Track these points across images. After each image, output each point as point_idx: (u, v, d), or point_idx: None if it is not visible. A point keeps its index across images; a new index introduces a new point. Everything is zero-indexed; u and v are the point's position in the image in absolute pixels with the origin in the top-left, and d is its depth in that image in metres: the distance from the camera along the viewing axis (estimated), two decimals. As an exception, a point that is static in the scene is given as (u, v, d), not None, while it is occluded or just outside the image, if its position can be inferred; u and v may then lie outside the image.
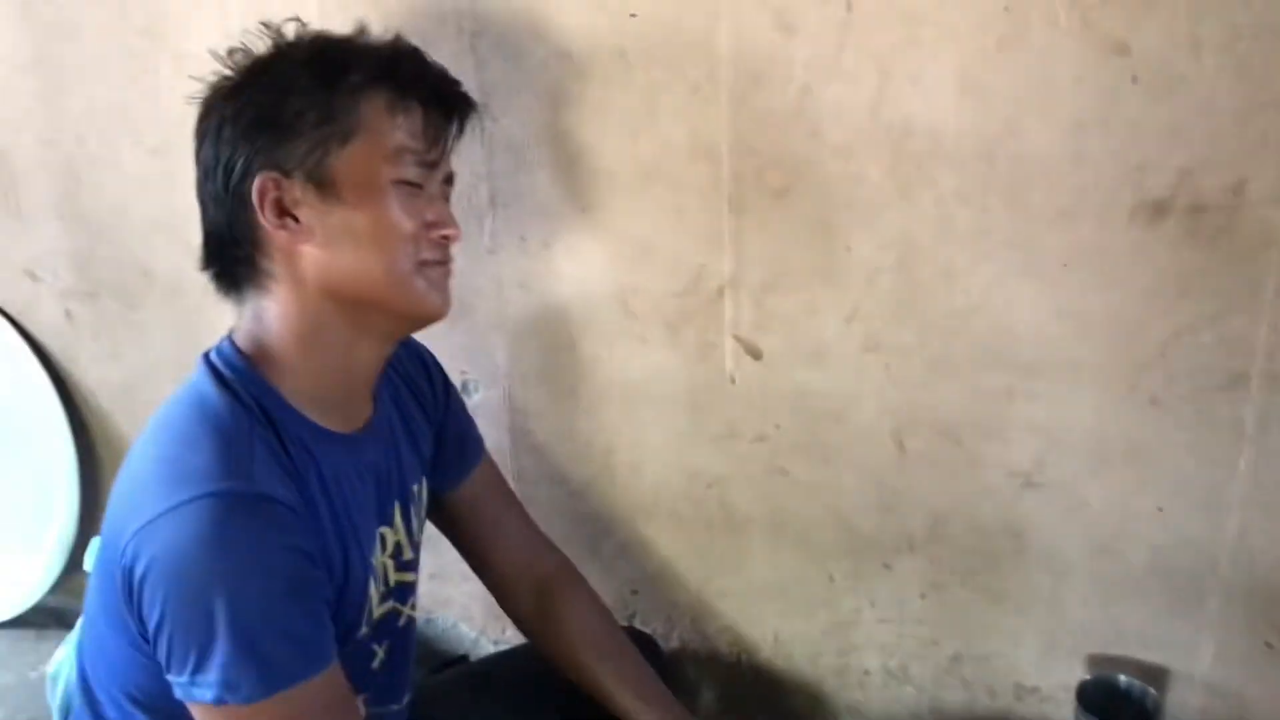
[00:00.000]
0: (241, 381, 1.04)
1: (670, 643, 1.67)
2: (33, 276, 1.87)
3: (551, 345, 1.55)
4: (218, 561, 0.93)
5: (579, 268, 1.48)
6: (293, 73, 1.03)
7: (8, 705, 1.90)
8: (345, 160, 1.01)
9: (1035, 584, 1.42)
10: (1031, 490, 1.37)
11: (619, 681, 1.29)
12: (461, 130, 1.11)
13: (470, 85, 1.41)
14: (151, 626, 0.95)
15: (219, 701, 0.94)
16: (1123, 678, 1.37)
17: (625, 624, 1.62)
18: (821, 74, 1.27)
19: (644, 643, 1.50)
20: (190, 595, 0.93)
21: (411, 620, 1.27)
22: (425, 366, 1.32)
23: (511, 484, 1.63)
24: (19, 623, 2.09)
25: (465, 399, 1.61)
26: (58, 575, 2.04)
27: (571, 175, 1.44)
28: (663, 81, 1.34)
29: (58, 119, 1.72)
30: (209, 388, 1.03)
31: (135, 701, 1.05)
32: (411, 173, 1.05)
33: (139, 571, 0.94)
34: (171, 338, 1.78)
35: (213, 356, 1.07)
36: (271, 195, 1.02)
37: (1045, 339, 1.30)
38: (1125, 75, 1.16)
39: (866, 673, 1.57)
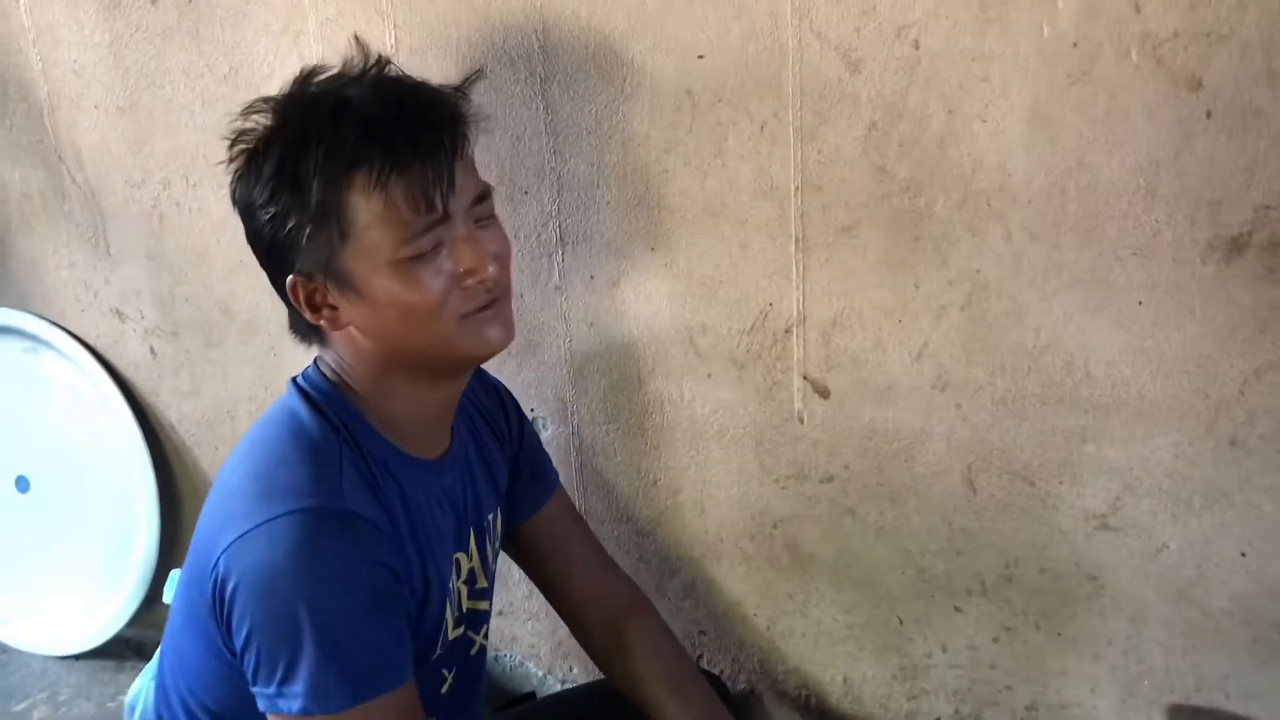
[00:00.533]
0: (329, 404, 1.08)
1: (738, 684, 1.65)
2: (119, 315, 1.94)
3: (619, 383, 1.56)
4: (307, 575, 0.96)
5: (646, 306, 1.49)
6: (275, 181, 1.02)
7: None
8: (351, 257, 1.02)
9: (1112, 629, 1.38)
10: (1107, 533, 1.34)
11: (687, 714, 1.29)
12: (456, 161, 1.03)
13: (539, 127, 1.45)
14: (240, 639, 0.97)
15: (305, 712, 0.96)
16: (1205, 729, 1.33)
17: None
18: (888, 111, 1.27)
19: (711, 683, 1.49)
20: (280, 608, 0.95)
21: (483, 650, 1.28)
22: (500, 400, 1.34)
23: (579, 522, 1.65)
24: (98, 654, 2.14)
25: (534, 436, 1.63)
26: (136, 608, 2.09)
27: (639, 214, 1.45)
28: (729, 120, 1.36)
29: (146, 163, 1.79)
30: (300, 408, 1.08)
31: (212, 714, 1.07)
32: (417, 245, 1.01)
33: (230, 584, 0.97)
34: (249, 374, 1.83)
35: (301, 380, 1.11)
36: (302, 294, 1.05)
37: (1119, 378, 1.27)
38: (1199, 110, 1.14)
39: (938, 719, 1.54)
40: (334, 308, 1.05)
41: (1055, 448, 1.33)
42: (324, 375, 1.11)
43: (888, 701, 1.56)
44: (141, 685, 1.28)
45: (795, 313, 1.41)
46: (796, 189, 1.35)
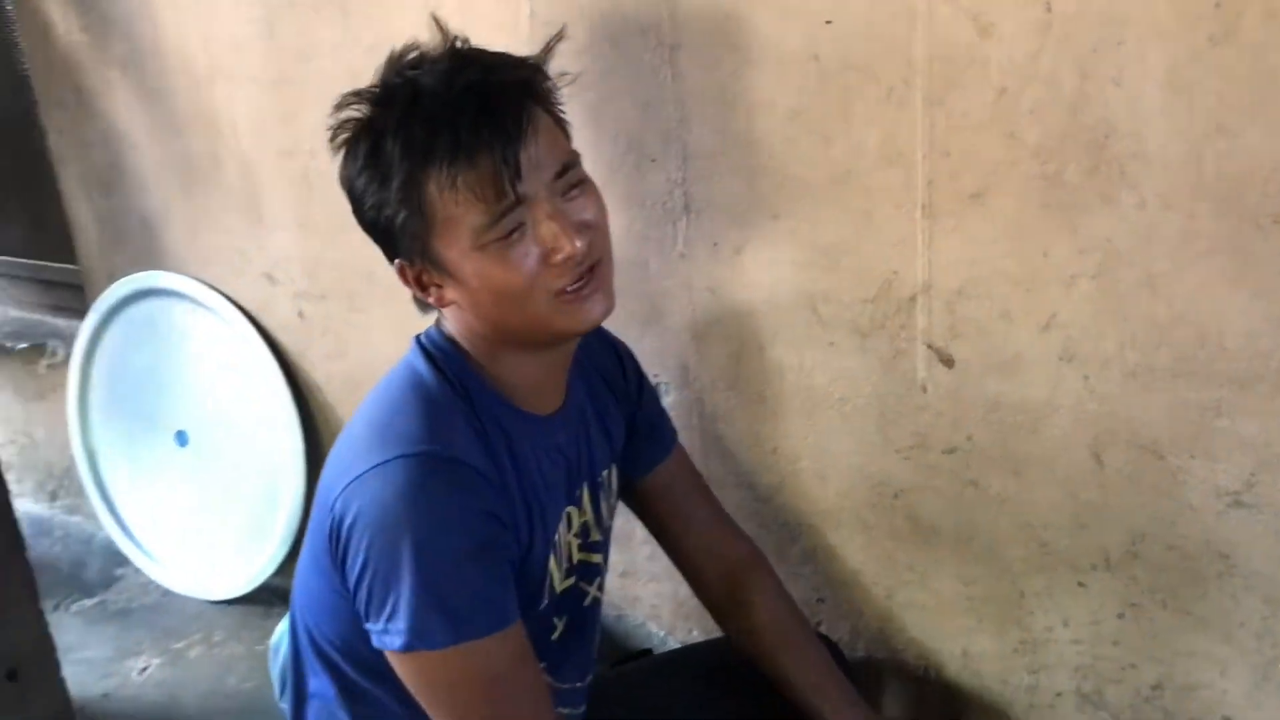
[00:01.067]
0: (446, 361, 1.14)
1: (855, 652, 1.66)
2: (271, 279, 2.04)
3: (739, 351, 1.58)
4: (414, 516, 1.01)
5: (769, 274, 1.51)
6: (367, 172, 1.07)
7: (236, 673, 2.07)
8: (439, 243, 1.05)
9: (1245, 610, 1.34)
10: (1240, 510, 1.30)
11: (802, 671, 1.33)
12: (524, 145, 1.03)
13: (666, 95, 1.47)
14: (354, 576, 1.04)
15: (408, 648, 1.02)
16: (1342, 717, 1.28)
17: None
18: (1019, 76, 1.25)
19: (829, 649, 1.51)
20: (387, 546, 1.01)
21: (597, 602, 1.32)
22: (619, 359, 1.37)
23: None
24: (249, 600, 2.27)
25: (658, 401, 1.66)
26: (283, 557, 2.20)
27: (763, 182, 1.46)
28: (856, 87, 1.35)
29: (296, 133, 1.88)
30: (420, 363, 1.14)
31: (335, 648, 1.14)
32: (495, 230, 1.03)
33: (346, 522, 1.04)
34: (390, 336, 1.91)
35: (423, 338, 1.17)
36: (410, 275, 1.10)
37: (1257, 351, 1.23)
38: (1350, 71, 1.09)
39: (1059, 695, 1.52)
40: (439, 286, 1.10)
41: (1187, 421, 1.30)
42: (444, 334, 1.16)
43: (1008, 676, 1.54)
44: (283, 628, 1.36)
45: (920, 281, 1.40)
46: (924, 155, 1.34)
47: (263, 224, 2.00)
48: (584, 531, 1.26)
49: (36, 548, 2.54)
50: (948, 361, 1.42)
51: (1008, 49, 1.25)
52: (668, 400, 1.66)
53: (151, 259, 2.21)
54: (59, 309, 2.60)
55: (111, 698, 2.00)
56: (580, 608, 1.29)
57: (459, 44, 1.11)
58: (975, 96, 1.29)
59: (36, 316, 2.66)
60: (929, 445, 1.48)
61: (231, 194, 2.02)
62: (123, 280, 2.26)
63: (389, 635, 1.03)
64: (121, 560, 2.43)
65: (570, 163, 1.09)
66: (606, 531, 1.33)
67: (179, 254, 2.16)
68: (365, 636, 1.06)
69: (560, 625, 1.25)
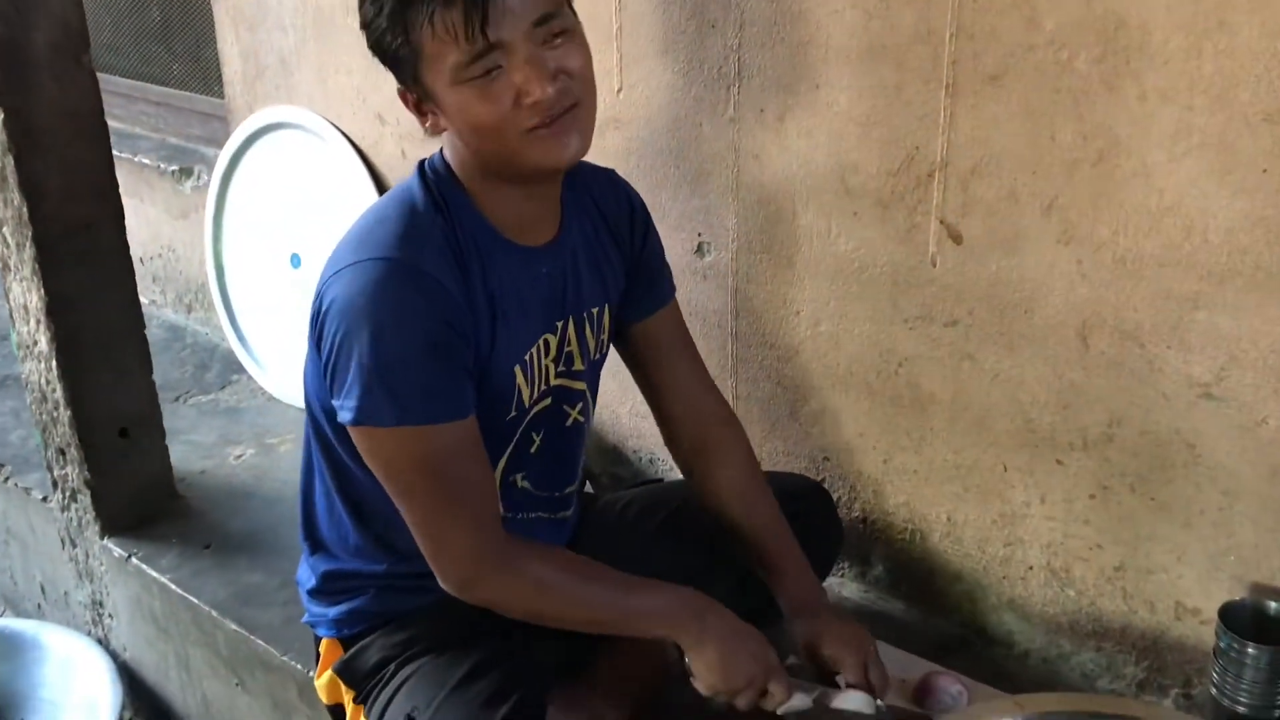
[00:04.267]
0: (439, 182, 1.27)
1: (852, 511, 1.77)
2: (381, 120, 2.24)
3: (776, 215, 1.69)
4: (372, 309, 1.17)
5: (806, 142, 1.61)
6: (369, 3, 1.18)
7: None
8: (426, 73, 1.17)
9: (1205, 500, 1.41)
10: (1209, 402, 1.37)
11: (756, 539, 1.44)
12: None
13: (725, -39, 1.57)
14: (324, 356, 1.21)
15: (357, 422, 1.19)
16: (1273, 603, 1.35)
17: (816, 483, 1.73)
18: (1043, -38, 1.32)
19: (825, 504, 1.63)
20: (350, 330, 1.17)
21: (579, 424, 1.44)
22: (631, 208, 1.45)
23: (730, 344, 1.80)
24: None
25: (699, 259, 1.79)
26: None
27: (810, 52, 1.56)
28: (896, -35, 1.44)
29: None
30: (414, 184, 1.28)
31: (328, 417, 1.29)
32: (474, 69, 1.13)
33: (322, 308, 1.21)
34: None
35: (426, 162, 1.31)
36: (410, 100, 1.23)
37: (1237, 246, 1.29)
38: (1345, -28, 1.13)
39: (1030, 569, 1.61)
40: (433, 114, 1.23)
41: (1168, 311, 1.36)
42: (444, 160, 1.29)
43: (985, 545, 1.64)
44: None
45: (939, 157, 1.49)
46: (951, 35, 1.42)
47: (378, 68, 2.17)
48: (567, 360, 1.38)
49: (169, 351, 2.86)
50: (957, 238, 1.51)
51: (1035, -65, 1.32)
52: (709, 259, 1.79)
53: (285, 94, 2.43)
54: (207, 139, 2.87)
55: (208, 474, 2.26)
56: (562, 427, 1.41)
57: None
58: (1002, -20, 1.36)
59: (188, 144, 2.94)
60: (933, 317, 1.57)
61: (356, 36, 2.20)
62: (259, 113, 2.49)
63: (344, 410, 1.19)
64: (238, 368, 2.70)
65: (552, 12, 1.16)
66: (593, 365, 1.43)
67: (308, 91, 2.37)
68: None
69: (538, 440, 1.38)
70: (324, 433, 1.33)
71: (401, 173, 2.25)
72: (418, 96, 1.22)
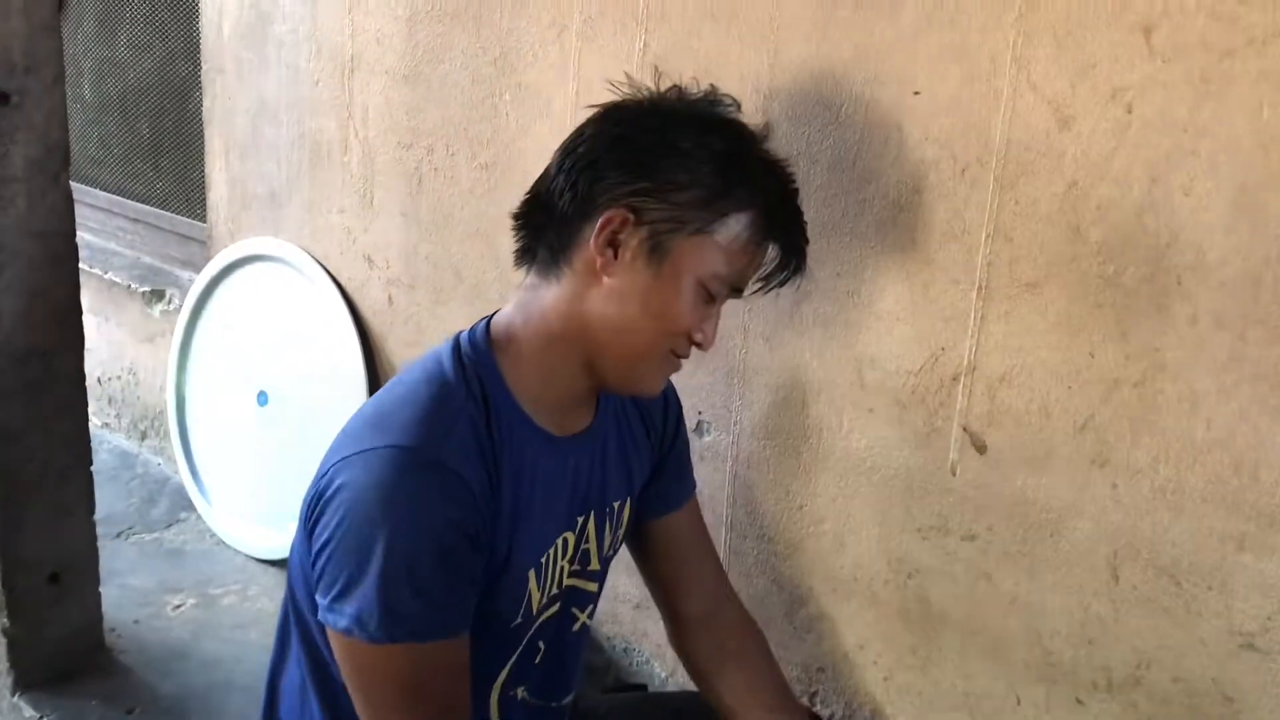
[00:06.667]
0: (476, 360, 1.14)
1: (845, 729, 1.63)
2: (369, 262, 2.14)
3: (782, 401, 1.59)
4: (383, 507, 1.02)
5: (822, 330, 1.52)
6: (700, 142, 1.09)
7: (259, 629, 2.14)
8: (686, 245, 1.08)
9: (1242, 761, 1.28)
10: (1252, 653, 1.25)
11: None
12: (783, 283, 1.17)
13: (752, 141, 1.50)
14: (317, 545, 1.06)
15: (348, 632, 1.03)
16: None
17: (805, 701, 1.60)
18: (1091, 172, 1.26)
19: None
20: (354, 529, 1.03)
21: (586, 628, 1.31)
22: (665, 400, 1.35)
23: (724, 533, 1.68)
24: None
25: (698, 438, 1.68)
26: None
27: (831, 239, 1.48)
28: (933, 160, 1.37)
29: (417, 128, 1.98)
30: (446, 358, 1.14)
31: (313, 604, 1.17)
32: (721, 291, 1.12)
33: (326, 494, 1.06)
34: (464, 335, 1.98)
35: (463, 334, 1.17)
36: (612, 227, 1.08)
37: (1291, 489, 1.19)
38: None
39: (1041, 814, 1.46)
40: (616, 257, 1.09)
41: (1209, 550, 1.26)
42: (487, 333, 1.16)
43: (992, 783, 1.50)
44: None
45: (966, 361, 1.40)
46: (988, 236, 1.35)
47: (371, 208, 2.10)
48: (583, 558, 1.26)
49: (116, 480, 2.70)
50: (980, 447, 1.41)
51: (1084, 144, 1.26)
52: (708, 439, 1.68)
53: (271, 226, 2.34)
54: (184, 262, 2.76)
55: (142, 624, 2.08)
56: (568, 633, 1.28)
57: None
58: (1046, 186, 1.29)
59: (164, 266, 2.83)
60: (950, 529, 1.46)
61: (351, 176, 2.13)
62: (242, 242, 2.40)
63: (333, 614, 1.04)
64: (188, 504, 2.54)
65: (740, 293, 1.18)
66: (606, 561, 1.31)
67: (296, 225, 2.28)
68: None
69: (544, 648, 1.25)
70: (305, 620, 1.17)
71: (386, 319, 2.16)
72: (642, 233, 1.08)
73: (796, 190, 1.16)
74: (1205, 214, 1.19)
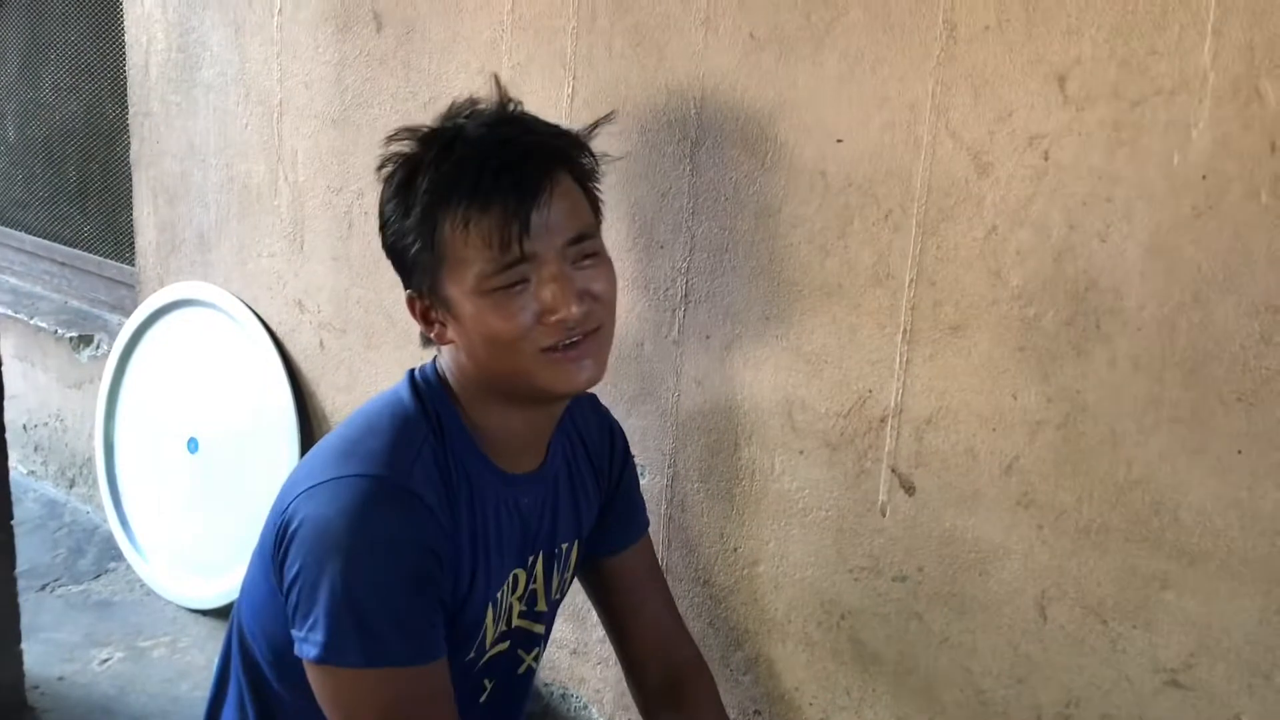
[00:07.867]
0: (432, 397, 1.16)
1: (783, 773, 1.62)
2: (300, 306, 2.12)
3: (715, 444, 1.59)
4: (352, 536, 1.03)
5: (753, 373, 1.53)
6: (394, 201, 1.12)
7: (190, 681, 2.09)
8: (447, 280, 1.09)
9: (1170, 798, 1.29)
10: (1176, 690, 1.26)
11: None
12: (539, 204, 1.06)
13: (683, 187, 1.53)
14: (288, 579, 1.06)
15: (321, 660, 1.03)
16: None
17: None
18: (1010, 217, 1.28)
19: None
20: (322, 557, 1.03)
21: (531, 671, 1.31)
22: (611, 438, 1.37)
23: (658, 575, 1.67)
24: (221, 613, 2.30)
25: (631, 482, 1.67)
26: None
27: (760, 283, 1.49)
28: (857, 205, 1.39)
29: (346, 172, 1.97)
30: (405, 393, 1.17)
31: (266, 654, 1.15)
32: (497, 280, 1.06)
33: (291, 527, 1.06)
34: (399, 378, 1.96)
35: (417, 371, 1.20)
36: (417, 308, 1.15)
37: (1210, 528, 1.21)
38: (1325, 260, 1.10)
39: None
40: (442, 323, 1.13)
41: (1134, 589, 1.27)
42: (437, 372, 1.19)
43: (928, 824, 1.50)
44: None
45: (893, 404, 1.41)
46: (911, 280, 1.37)
47: (302, 253, 2.08)
48: (531, 599, 1.26)
49: (42, 529, 2.63)
50: (909, 488, 1.42)
51: (1003, 190, 1.28)
52: (643, 483, 1.67)
53: (201, 270, 2.31)
54: (112, 306, 2.71)
55: (67, 681, 2.02)
56: (514, 674, 1.28)
57: (511, 106, 1.16)
58: (967, 231, 1.31)
59: (92, 310, 2.78)
60: (881, 570, 1.47)
61: (280, 220, 2.11)
62: (171, 286, 2.36)
63: (307, 644, 1.04)
64: (116, 554, 2.48)
65: (587, 233, 1.12)
66: (554, 605, 1.32)
67: (225, 270, 2.25)
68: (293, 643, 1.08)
69: (489, 687, 1.25)
70: (255, 661, 1.16)
71: (318, 364, 2.13)
72: (428, 304, 1.12)
73: (482, 144, 1.08)
74: (1121, 259, 1.21)
